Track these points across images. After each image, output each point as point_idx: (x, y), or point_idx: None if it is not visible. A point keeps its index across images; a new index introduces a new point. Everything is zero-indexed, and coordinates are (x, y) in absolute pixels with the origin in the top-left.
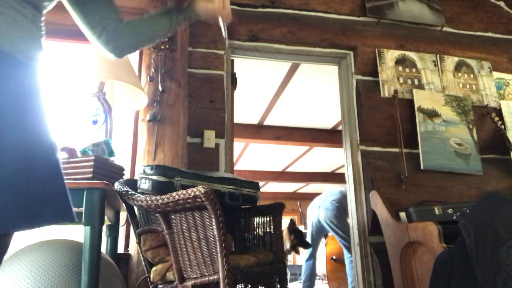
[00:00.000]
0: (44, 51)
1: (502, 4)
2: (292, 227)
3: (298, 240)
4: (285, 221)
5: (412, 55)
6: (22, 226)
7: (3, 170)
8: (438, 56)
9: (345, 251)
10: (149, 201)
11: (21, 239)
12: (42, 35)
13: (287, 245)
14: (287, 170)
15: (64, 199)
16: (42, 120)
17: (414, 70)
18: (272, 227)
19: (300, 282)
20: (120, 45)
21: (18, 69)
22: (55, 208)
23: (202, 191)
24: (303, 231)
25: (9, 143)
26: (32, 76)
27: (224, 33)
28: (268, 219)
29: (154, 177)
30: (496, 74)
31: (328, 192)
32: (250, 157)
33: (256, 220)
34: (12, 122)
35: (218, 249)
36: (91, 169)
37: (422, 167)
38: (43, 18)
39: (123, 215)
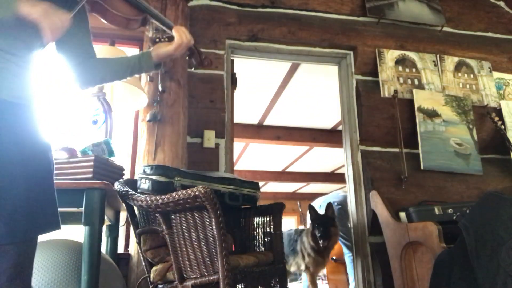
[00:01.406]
0: (37, 87)
1: (502, 4)
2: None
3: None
4: (285, 221)
5: (412, 55)
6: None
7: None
8: (438, 56)
9: (345, 250)
10: (149, 201)
11: None
12: (34, 73)
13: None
14: (287, 170)
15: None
16: (40, 145)
17: (414, 70)
18: (272, 227)
19: (300, 282)
20: (88, 79)
21: (14, 111)
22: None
23: (202, 191)
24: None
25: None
26: (26, 113)
27: (191, 60)
28: (268, 219)
29: (154, 177)
30: (496, 74)
31: (332, 194)
32: (250, 157)
33: (256, 220)
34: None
35: (218, 249)
36: (91, 169)
37: (422, 167)
38: (35, 59)
39: (123, 215)
